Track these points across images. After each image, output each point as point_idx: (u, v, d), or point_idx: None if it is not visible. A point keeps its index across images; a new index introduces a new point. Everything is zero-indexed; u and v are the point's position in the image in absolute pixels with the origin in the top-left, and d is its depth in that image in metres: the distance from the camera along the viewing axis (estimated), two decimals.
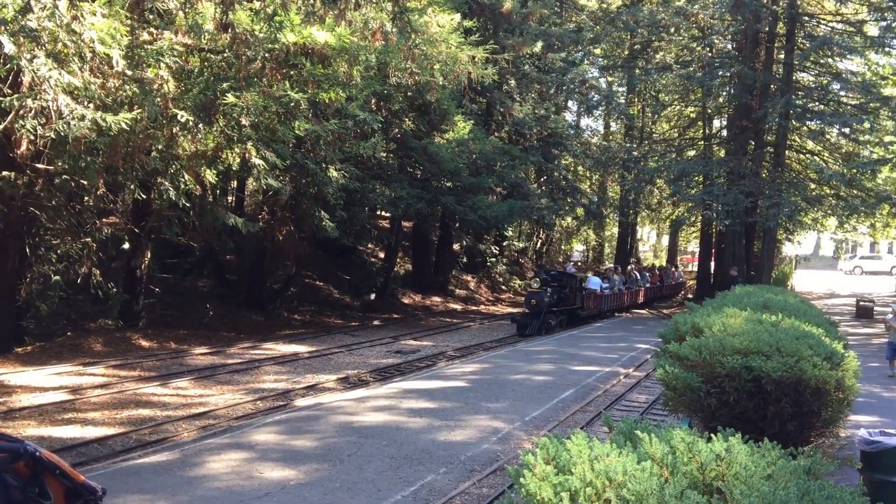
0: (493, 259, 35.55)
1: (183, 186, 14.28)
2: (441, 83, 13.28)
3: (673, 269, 41.91)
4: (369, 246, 30.96)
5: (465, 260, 35.00)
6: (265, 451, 8.34)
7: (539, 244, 43.62)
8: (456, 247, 33.47)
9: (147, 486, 6.92)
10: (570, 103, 38.99)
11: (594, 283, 26.18)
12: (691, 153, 34.40)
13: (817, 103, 28.61)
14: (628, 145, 36.77)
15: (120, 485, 6.90)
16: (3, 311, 15.14)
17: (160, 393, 12.78)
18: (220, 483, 7.19)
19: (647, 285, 32.60)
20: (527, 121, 28.57)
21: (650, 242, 66.57)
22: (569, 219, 40.11)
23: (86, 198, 16.36)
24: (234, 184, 24.15)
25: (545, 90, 31.96)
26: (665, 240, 59.45)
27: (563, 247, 48.96)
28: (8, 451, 3.23)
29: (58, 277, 16.94)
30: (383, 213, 27.49)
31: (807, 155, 33.22)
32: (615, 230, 48.64)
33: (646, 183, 32.70)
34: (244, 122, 11.40)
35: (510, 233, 36.57)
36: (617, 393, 13.10)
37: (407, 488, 7.30)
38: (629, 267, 34.59)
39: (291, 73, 11.71)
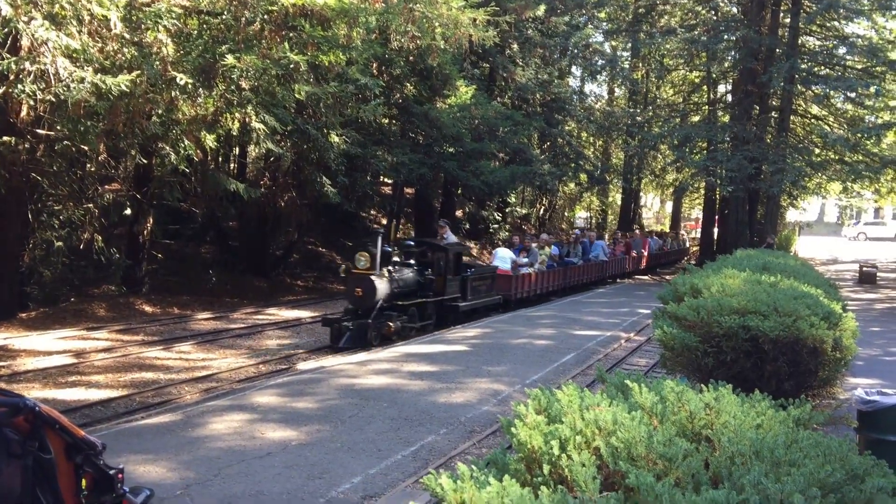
0: (496, 225, 35.53)
1: (183, 152, 14.23)
2: (442, 47, 13.16)
3: (675, 234, 41.87)
4: (371, 212, 30.94)
5: (467, 226, 34.98)
6: (267, 413, 8.41)
7: (542, 210, 43.56)
8: (458, 213, 33.43)
9: (150, 447, 6.99)
10: (573, 68, 38.69)
11: (501, 258, 19.31)
12: (695, 118, 34.26)
13: (823, 67, 28.40)
14: (632, 110, 36.55)
15: (123, 445, 6.98)
16: (7, 276, 15.20)
17: (163, 357, 12.88)
18: (222, 443, 7.26)
19: (604, 258, 25.95)
20: (530, 86, 28.37)
21: (654, 209, 66.45)
22: (572, 185, 40.00)
23: (87, 164, 16.35)
24: (236, 150, 24.10)
25: (548, 55, 31.69)
26: (669, 206, 59.33)
27: (566, 213, 48.87)
28: (7, 405, 3.26)
29: (60, 244, 16.97)
30: (385, 179, 27.41)
31: (811, 120, 33.03)
32: (618, 197, 48.51)
33: (649, 148, 32.60)
34: (244, 85, 11.34)
35: (513, 199, 36.48)
36: (617, 357, 13.17)
37: (407, 448, 7.37)
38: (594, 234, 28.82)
39: (291, 35, 11.62)
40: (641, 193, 51.28)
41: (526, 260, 20.29)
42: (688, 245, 43.85)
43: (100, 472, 3.57)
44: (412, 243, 15.95)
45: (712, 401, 2.85)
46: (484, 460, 2.62)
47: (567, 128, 35.62)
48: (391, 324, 13.56)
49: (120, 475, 3.69)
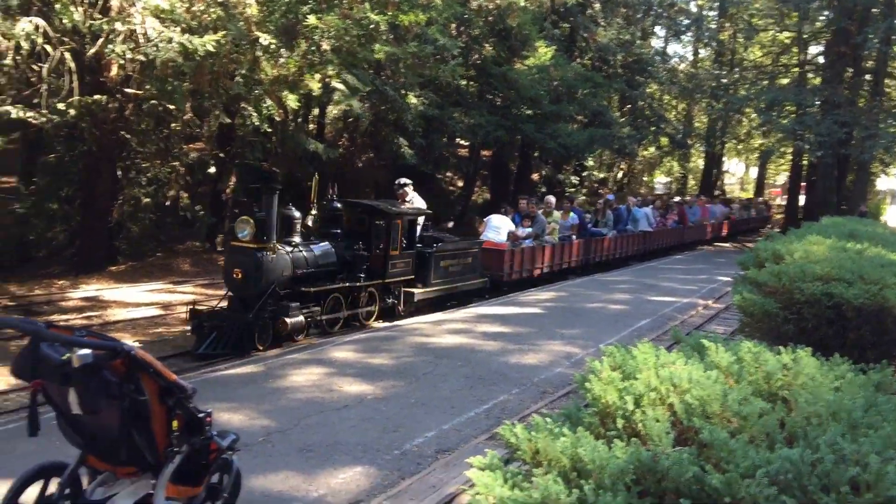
0: (573, 189, 35.18)
1: (265, 112, 14.55)
2: (522, 5, 13.02)
3: (757, 201, 40.63)
4: (447, 174, 31.00)
5: (543, 189, 34.71)
6: (343, 367, 8.63)
7: (620, 175, 42.91)
8: (535, 176, 33.22)
9: (233, 395, 7.27)
10: (657, 28, 37.72)
11: (494, 227, 15.25)
12: (784, 81, 32.99)
13: None
14: (717, 72, 35.48)
15: (208, 393, 7.27)
16: (98, 231, 15.90)
17: None
18: (301, 395, 7.50)
19: (647, 228, 22.07)
20: (611, 46, 27.81)
21: (737, 175, 64.68)
22: (652, 149, 39.24)
23: (173, 123, 16.87)
24: (315, 111, 24.41)
25: (631, 14, 30.99)
26: (753, 172, 57.66)
27: (644, 178, 48.01)
28: (106, 349, 3.46)
29: (148, 200, 17.63)
30: (462, 141, 27.39)
31: None
32: (700, 162, 47.36)
33: (734, 112, 31.68)
34: (325, 45, 11.48)
35: (590, 162, 36.01)
36: (694, 323, 12.98)
37: (480, 406, 7.48)
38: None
39: None
40: (724, 158, 49.91)
41: (529, 230, 16.02)
42: (772, 212, 42.55)
43: (190, 414, 3.76)
44: (339, 206, 11.88)
45: (790, 362, 2.83)
46: (558, 414, 2.67)
47: (648, 90, 34.86)
48: (288, 319, 9.74)
49: (208, 419, 3.89)
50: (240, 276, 9.73)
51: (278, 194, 10.07)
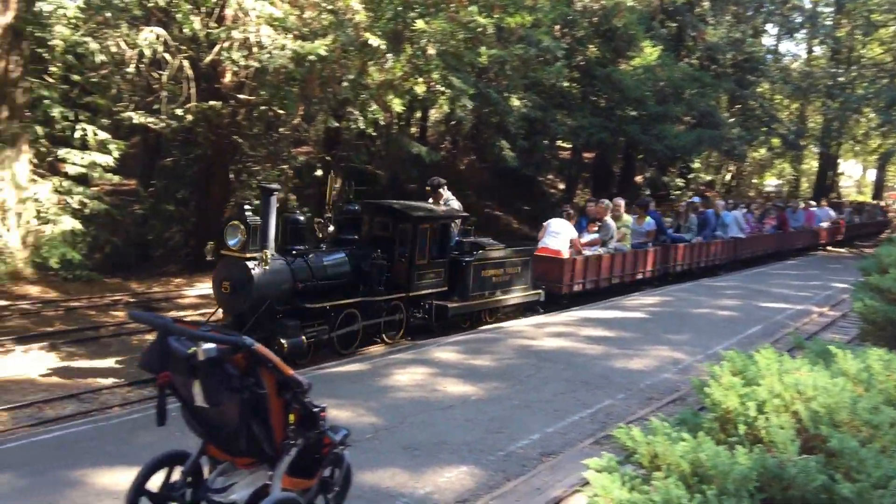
0: (678, 192, 34.39)
1: (371, 116, 14.85)
2: (629, 5, 12.84)
3: (873, 205, 38.65)
4: (549, 176, 30.82)
5: (647, 192, 34.10)
6: (446, 368, 8.70)
7: (728, 177, 41.68)
8: (638, 178, 32.65)
9: (341, 392, 7.44)
10: (768, 26, 36.45)
11: (553, 233, 13.31)
12: None
13: None
14: (833, 70, 34.00)
15: (316, 389, 7.43)
16: (211, 231, 16.54)
17: None
18: (406, 394, 7.61)
19: (739, 234, 20.13)
20: (720, 45, 27.09)
21: (854, 177, 61.77)
22: (762, 150, 37.95)
23: (281, 128, 17.42)
24: (419, 113, 24.73)
25: (741, 12, 30.07)
26: (871, 174, 54.95)
27: (754, 180, 46.45)
28: (229, 343, 3.61)
29: (258, 202, 18.22)
30: (564, 143, 27.17)
31: None
32: (814, 163, 45.47)
33: (851, 111, 30.30)
34: (430, 49, 11.62)
35: (697, 164, 35.10)
36: (808, 331, 12.46)
37: (584, 410, 7.40)
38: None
39: None
40: (840, 160, 47.73)
41: (594, 236, 14.58)
42: (890, 216, 40.39)
43: (306, 408, 3.88)
44: (356, 208, 10.36)
45: None
46: (674, 418, 2.63)
47: (759, 89, 33.73)
48: (284, 340, 8.35)
49: (323, 413, 4.00)
50: (228, 289, 8.38)
51: (273, 196, 8.74)
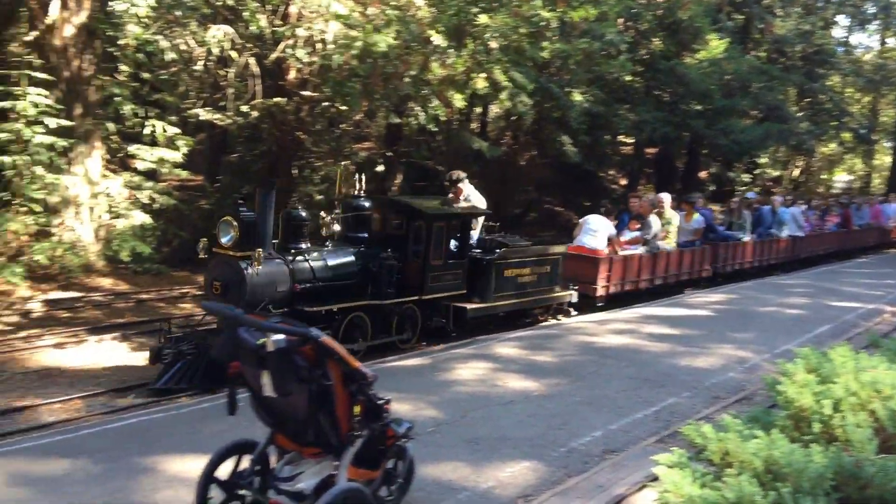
0: (744, 187, 33.65)
1: (432, 111, 14.89)
2: None
3: None
4: (610, 172, 30.48)
5: (712, 188, 33.47)
6: (507, 363, 8.69)
7: (797, 172, 40.63)
8: (702, 174, 32.06)
9: (402, 385, 7.50)
10: (839, 17, 35.42)
11: (590, 231, 12.55)
12: None
13: None
14: None
15: (379, 382, 7.51)
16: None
17: None
18: (467, 388, 7.63)
19: (798, 232, 19.09)
20: (789, 37, 26.43)
21: None
22: (832, 145, 36.89)
23: (343, 124, 17.59)
24: (479, 109, 24.70)
25: (811, 3, 29.29)
26: None
27: (823, 176, 45.17)
28: (297, 335, 3.68)
29: (321, 197, 18.47)
30: (626, 138, 26.83)
31: None
32: (886, 159, 43.99)
33: None
34: (493, 45, 11.60)
35: (764, 160, 34.29)
36: (881, 331, 12.04)
37: (648, 408, 7.32)
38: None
39: None
40: None
41: (635, 234, 13.74)
42: None
43: (371, 400, 3.94)
44: (366, 203, 9.74)
45: None
46: (745, 416, 2.58)
47: (829, 82, 32.78)
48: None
49: (387, 406, 4.06)
50: (219, 289, 7.88)
51: (272, 188, 8.26)
